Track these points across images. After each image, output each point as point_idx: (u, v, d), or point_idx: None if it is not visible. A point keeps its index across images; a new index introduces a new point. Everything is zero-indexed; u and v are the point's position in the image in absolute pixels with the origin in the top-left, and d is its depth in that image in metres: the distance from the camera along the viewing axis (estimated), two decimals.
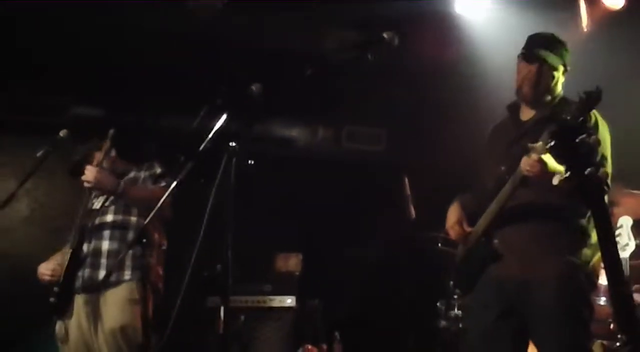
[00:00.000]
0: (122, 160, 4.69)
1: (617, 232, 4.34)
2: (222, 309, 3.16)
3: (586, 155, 2.08)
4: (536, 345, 3.60)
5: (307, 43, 6.24)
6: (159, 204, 3.48)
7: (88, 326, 4.36)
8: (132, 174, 4.60)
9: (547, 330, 3.43)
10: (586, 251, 3.46)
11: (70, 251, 4.35)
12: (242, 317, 6.02)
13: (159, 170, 4.55)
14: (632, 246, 4.32)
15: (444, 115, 7.11)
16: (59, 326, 4.44)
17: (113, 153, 4.63)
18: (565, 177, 2.10)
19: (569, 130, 2.11)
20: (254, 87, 3.32)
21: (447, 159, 7.04)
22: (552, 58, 3.67)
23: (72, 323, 4.40)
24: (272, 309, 6.16)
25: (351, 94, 7.07)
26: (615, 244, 2.20)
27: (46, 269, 4.43)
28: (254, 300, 6.13)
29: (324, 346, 6.28)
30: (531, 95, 3.69)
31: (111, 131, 4.48)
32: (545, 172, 3.15)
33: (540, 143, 3.14)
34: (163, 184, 4.45)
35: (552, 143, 2.14)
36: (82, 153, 4.58)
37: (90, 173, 4.28)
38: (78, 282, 4.38)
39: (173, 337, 3.69)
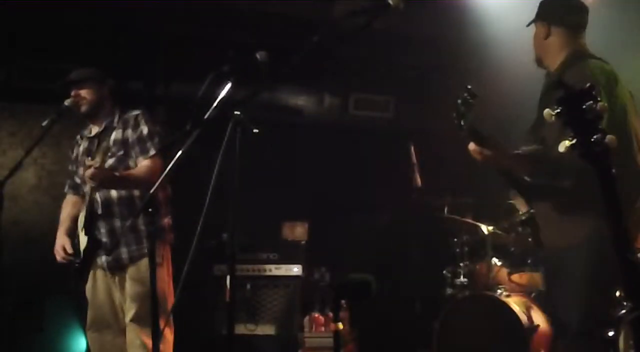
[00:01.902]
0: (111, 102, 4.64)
1: None
2: (228, 277, 3.17)
3: (593, 121, 2.08)
4: (553, 309, 3.62)
5: (315, 10, 6.20)
6: (164, 174, 3.46)
7: (115, 291, 4.43)
8: (118, 135, 4.53)
9: (565, 295, 3.46)
10: None
11: (83, 229, 4.41)
12: (249, 286, 6.06)
13: (145, 129, 4.50)
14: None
15: (451, 83, 7.07)
16: (87, 289, 4.52)
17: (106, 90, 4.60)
18: (572, 144, 2.09)
19: (575, 96, 2.10)
20: (258, 55, 3.30)
21: (454, 127, 7.02)
22: (539, 19, 3.67)
23: (100, 288, 4.46)
24: (278, 277, 6.18)
25: (359, 61, 7.03)
26: (621, 210, 2.19)
27: (59, 252, 4.49)
28: (261, 268, 6.16)
29: (330, 314, 6.31)
30: (536, 60, 3.73)
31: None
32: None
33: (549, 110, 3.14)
34: (152, 153, 4.42)
35: (559, 110, 2.12)
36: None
37: (90, 175, 4.24)
38: (102, 262, 4.42)
39: (180, 305, 3.71)
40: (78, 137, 4.74)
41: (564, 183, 3.39)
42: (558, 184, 3.41)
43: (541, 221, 3.60)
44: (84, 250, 4.43)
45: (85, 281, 4.52)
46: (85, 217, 4.41)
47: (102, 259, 4.43)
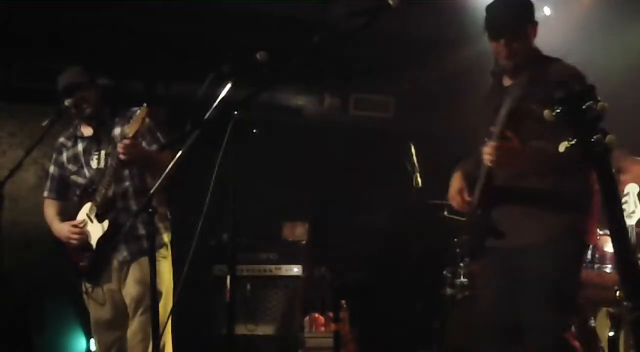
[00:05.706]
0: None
1: (623, 199, 4.34)
2: (228, 277, 3.17)
3: (593, 121, 2.08)
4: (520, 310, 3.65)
5: (315, 10, 6.20)
6: (164, 174, 3.47)
7: (118, 289, 4.41)
8: (116, 131, 4.50)
9: (526, 296, 3.51)
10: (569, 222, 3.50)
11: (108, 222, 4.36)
12: (249, 286, 6.06)
13: (151, 122, 4.47)
14: (638, 214, 4.30)
15: (452, 83, 7.08)
16: (95, 291, 4.47)
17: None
18: (572, 144, 2.10)
19: (575, 96, 2.11)
20: (258, 55, 3.30)
21: (454, 127, 7.02)
22: (512, 28, 3.63)
23: (106, 289, 4.44)
24: (278, 277, 6.18)
25: (359, 61, 7.03)
26: (621, 211, 2.19)
27: (72, 233, 4.42)
28: (261, 269, 6.16)
29: (331, 314, 6.31)
30: (509, 67, 3.68)
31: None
32: (505, 159, 3.30)
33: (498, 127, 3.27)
34: (162, 142, 4.42)
35: (559, 110, 2.13)
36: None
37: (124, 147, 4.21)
38: (119, 254, 4.40)
39: (180, 305, 3.71)
40: (63, 139, 4.66)
41: (545, 182, 3.45)
42: (539, 183, 3.47)
43: (500, 223, 3.63)
44: (99, 240, 4.34)
45: (97, 276, 4.43)
46: (98, 205, 4.34)
47: (121, 250, 4.39)
